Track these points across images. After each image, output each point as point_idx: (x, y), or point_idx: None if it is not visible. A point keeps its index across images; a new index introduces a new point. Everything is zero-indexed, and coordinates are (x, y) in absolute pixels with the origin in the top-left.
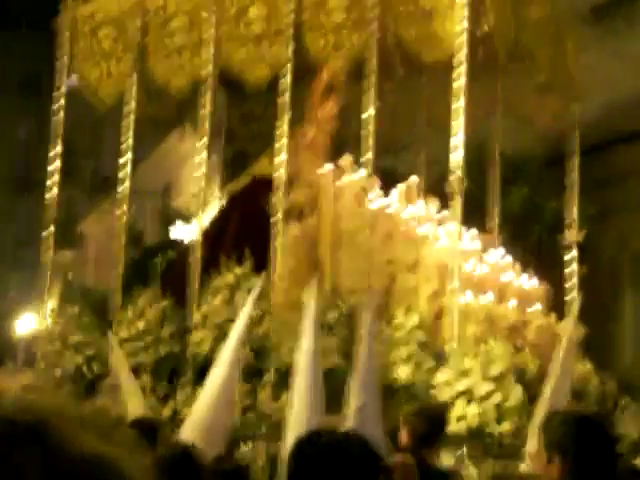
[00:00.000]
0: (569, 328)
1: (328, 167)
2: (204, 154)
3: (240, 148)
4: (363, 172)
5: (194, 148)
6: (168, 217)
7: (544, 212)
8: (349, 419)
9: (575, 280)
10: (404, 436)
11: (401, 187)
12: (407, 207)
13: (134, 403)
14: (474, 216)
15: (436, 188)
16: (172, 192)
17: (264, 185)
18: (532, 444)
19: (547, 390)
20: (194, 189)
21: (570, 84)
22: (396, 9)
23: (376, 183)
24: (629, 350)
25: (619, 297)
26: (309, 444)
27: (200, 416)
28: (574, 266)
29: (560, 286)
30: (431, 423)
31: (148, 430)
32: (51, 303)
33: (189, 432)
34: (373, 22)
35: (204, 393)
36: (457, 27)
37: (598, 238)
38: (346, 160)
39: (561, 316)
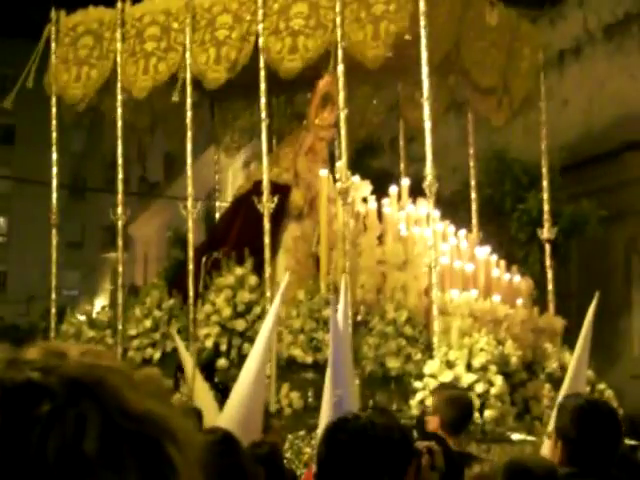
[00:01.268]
0: (587, 324)
1: (324, 171)
2: (189, 159)
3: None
4: (356, 177)
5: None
6: (211, 221)
7: (560, 216)
8: (328, 413)
9: (550, 274)
10: (433, 423)
11: (393, 190)
12: (399, 209)
13: (202, 397)
14: (493, 220)
15: (457, 194)
16: (214, 197)
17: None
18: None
19: (566, 381)
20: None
21: (525, 88)
22: (351, 15)
23: (368, 186)
24: (637, 343)
25: (629, 294)
26: (339, 429)
27: (236, 405)
28: (548, 261)
29: (569, 284)
30: (460, 411)
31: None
32: (102, 301)
33: (226, 420)
34: (333, 28)
35: (239, 383)
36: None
37: (609, 239)
38: (338, 165)
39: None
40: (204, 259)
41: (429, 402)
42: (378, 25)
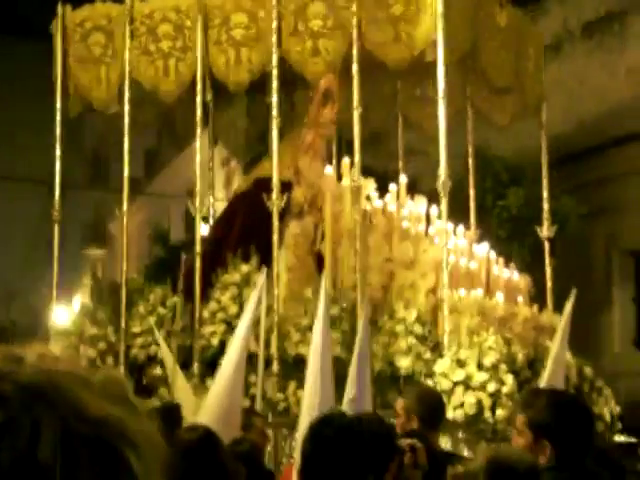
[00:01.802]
0: (564, 320)
1: (329, 169)
2: (197, 157)
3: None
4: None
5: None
6: (192, 218)
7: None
8: (345, 408)
9: (549, 271)
10: (403, 419)
11: (393, 188)
12: (401, 206)
13: (183, 394)
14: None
15: (421, 187)
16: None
17: (266, 185)
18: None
19: (544, 376)
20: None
21: (530, 88)
22: (368, 16)
23: (372, 184)
24: (617, 339)
25: (609, 291)
26: (324, 426)
27: (215, 402)
28: (548, 259)
29: (553, 281)
30: (432, 408)
31: (170, 415)
32: (81, 298)
33: (205, 417)
34: (351, 29)
35: (217, 381)
36: (425, 31)
37: (590, 235)
38: (345, 163)
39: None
40: (183, 257)
41: None
42: (398, 27)
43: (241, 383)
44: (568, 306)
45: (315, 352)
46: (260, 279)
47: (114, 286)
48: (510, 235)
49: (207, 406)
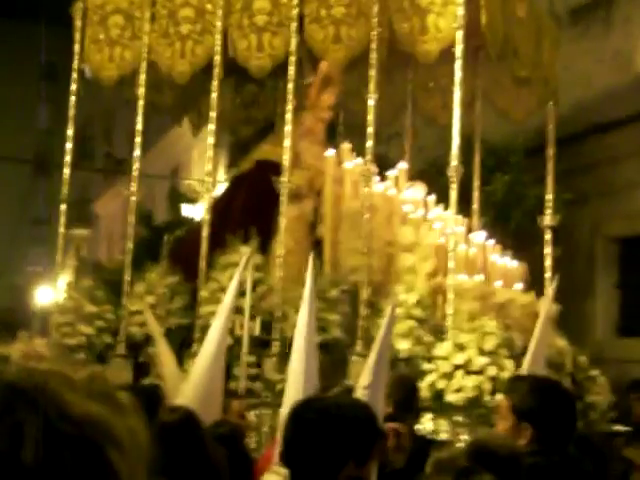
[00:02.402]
0: (546, 306)
1: (330, 152)
2: (211, 139)
3: (245, 136)
4: (359, 160)
5: (201, 135)
6: (176, 199)
7: (524, 199)
8: (357, 395)
9: (549, 261)
10: (387, 405)
11: (392, 174)
12: (400, 192)
13: (170, 371)
14: (461, 202)
15: (423, 174)
16: (179, 175)
17: (267, 167)
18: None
19: (525, 362)
20: (201, 172)
21: (546, 80)
22: (393, 4)
23: (374, 169)
24: (600, 326)
25: (593, 277)
26: (305, 409)
27: (197, 383)
28: (549, 248)
29: (535, 267)
30: (406, 391)
31: (151, 396)
32: (66, 277)
33: (186, 399)
34: (373, 17)
35: (198, 362)
36: (453, 24)
37: (574, 222)
38: (345, 147)
39: (539, 295)
40: (165, 237)
41: (440, 384)
42: (425, 18)
43: (222, 365)
44: (550, 292)
45: (299, 334)
46: (242, 261)
47: (98, 266)
48: (493, 221)
49: (188, 388)
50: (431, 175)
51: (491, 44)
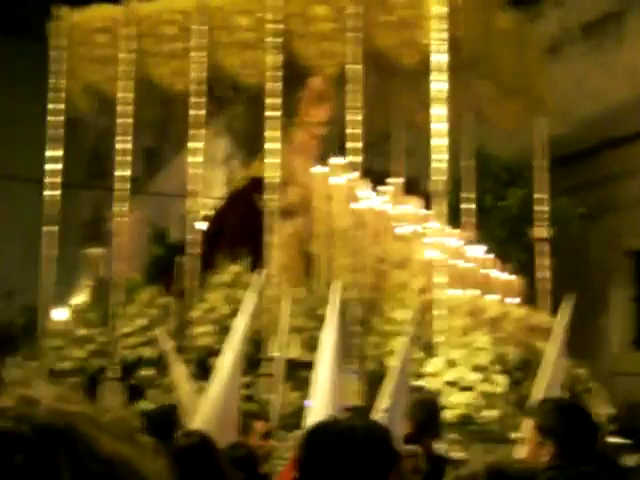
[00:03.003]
0: (561, 327)
1: (320, 169)
2: (191, 158)
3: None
4: (354, 174)
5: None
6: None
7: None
8: (376, 417)
9: (547, 273)
10: (407, 426)
11: (388, 188)
12: (395, 207)
13: (184, 391)
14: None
15: (414, 186)
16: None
17: (261, 185)
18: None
19: (542, 381)
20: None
21: (532, 90)
22: (377, 19)
23: (366, 184)
24: (616, 340)
25: (608, 291)
26: (320, 432)
27: (212, 406)
28: (545, 260)
29: (549, 281)
30: (427, 412)
31: (167, 419)
32: (81, 298)
33: (202, 422)
34: (357, 31)
35: (214, 385)
36: (436, 35)
37: (590, 236)
38: (336, 162)
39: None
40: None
41: None
42: (405, 31)
43: (238, 387)
44: (565, 312)
45: (324, 356)
46: (255, 281)
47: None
48: (508, 236)
49: (203, 410)
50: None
51: (469, 57)
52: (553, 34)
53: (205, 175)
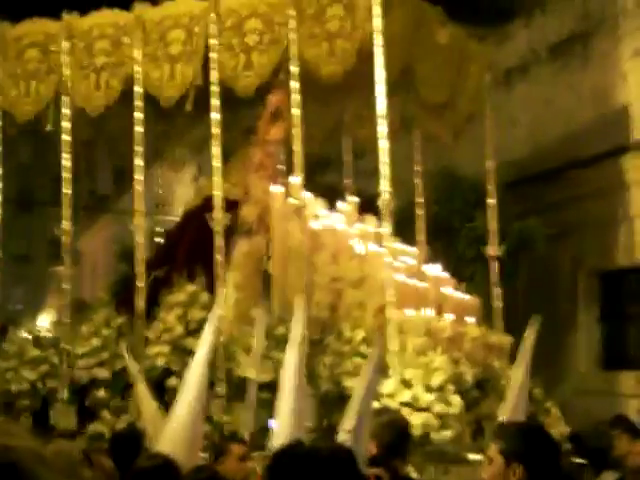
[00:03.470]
0: (526, 351)
1: (277, 188)
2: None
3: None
4: (308, 194)
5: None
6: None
7: (508, 233)
8: (341, 438)
9: (498, 290)
10: (372, 447)
11: (344, 207)
12: (351, 225)
13: (149, 413)
14: (440, 237)
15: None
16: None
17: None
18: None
19: (508, 403)
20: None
21: (469, 105)
22: (305, 31)
23: (323, 203)
24: (583, 359)
25: (575, 311)
26: (286, 455)
27: (176, 429)
28: (494, 277)
29: (514, 301)
30: (397, 434)
31: (131, 442)
32: (48, 316)
33: (166, 445)
34: (288, 44)
35: (178, 409)
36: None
37: (556, 256)
38: (293, 182)
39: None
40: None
41: None
42: (334, 42)
43: (202, 410)
44: (531, 334)
45: (288, 376)
46: (214, 311)
47: (80, 304)
48: (476, 255)
49: (168, 433)
50: (411, 213)
51: (389, 72)
52: (523, 54)
53: (175, 193)
